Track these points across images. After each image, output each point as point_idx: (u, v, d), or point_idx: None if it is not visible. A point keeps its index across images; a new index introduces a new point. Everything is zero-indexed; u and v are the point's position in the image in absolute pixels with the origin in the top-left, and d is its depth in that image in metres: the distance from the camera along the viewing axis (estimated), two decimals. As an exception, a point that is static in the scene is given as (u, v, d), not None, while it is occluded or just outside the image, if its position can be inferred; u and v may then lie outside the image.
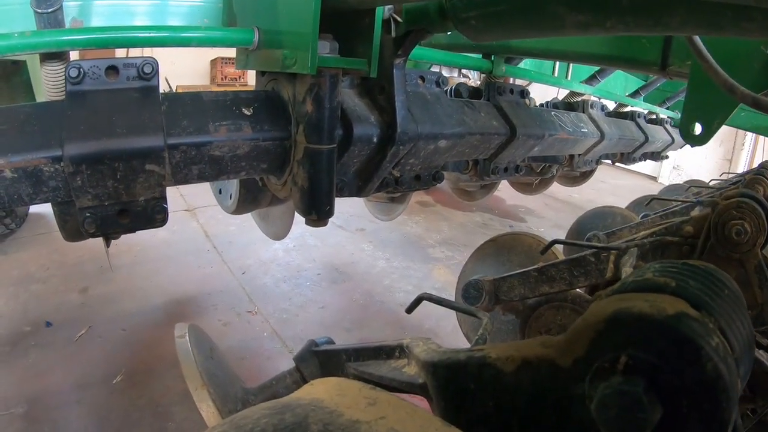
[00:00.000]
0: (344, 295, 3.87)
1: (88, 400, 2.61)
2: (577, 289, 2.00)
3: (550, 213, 6.27)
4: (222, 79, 11.16)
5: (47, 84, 1.38)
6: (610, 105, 3.72)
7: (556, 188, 4.40)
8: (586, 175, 4.25)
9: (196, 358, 1.26)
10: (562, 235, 3.74)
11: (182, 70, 10.16)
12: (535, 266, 2.00)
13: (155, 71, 1.31)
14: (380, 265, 4.40)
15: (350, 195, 1.69)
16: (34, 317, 3.34)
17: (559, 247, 2.42)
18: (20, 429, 2.42)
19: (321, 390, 0.71)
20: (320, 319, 3.54)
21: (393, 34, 1.46)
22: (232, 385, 1.36)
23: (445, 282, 4.09)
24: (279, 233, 2.25)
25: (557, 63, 3.34)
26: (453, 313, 2.68)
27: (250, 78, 10.52)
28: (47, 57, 1.33)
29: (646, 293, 0.65)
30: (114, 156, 1.21)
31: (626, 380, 0.58)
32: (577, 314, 1.95)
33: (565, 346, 0.65)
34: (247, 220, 2.41)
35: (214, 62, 11.31)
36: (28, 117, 1.22)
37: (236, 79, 11.14)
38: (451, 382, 0.78)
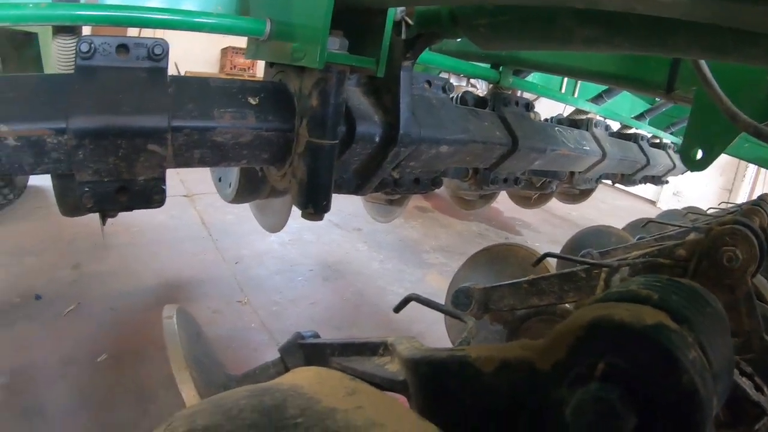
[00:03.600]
0: (336, 293, 3.87)
1: (71, 375, 2.61)
2: (567, 305, 2.00)
3: (546, 228, 6.27)
4: (231, 68, 11.19)
5: (58, 57, 1.39)
6: (615, 126, 3.73)
7: (554, 204, 4.40)
8: (585, 194, 4.26)
9: (182, 340, 1.26)
10: (557, 251, 3.74)
11: (192, 56, 10.17)
12: (527, 278, 2.01)
13: (165, 53, 1.32)
14: (374, 266, 4.39)
15: (348, 192, 1.69)
16: (24, 289, 3.34)
17: (553, 262, 2.43)
18: (1, 399, 2.43)
19: (301, 377, 0.71)
20: (310, 314, 3.53)
21: (403, 36, 1.47)
22: (215, 370, 1.37)
23: (438, 288, 4.07)
24: (275, 226, 2.25)
25: (565, 79, 3.35)
26: (442, 318, 2.69)
27: (259, 70, 10.55)
28: (60, 30, 1.34)
29: (628, 303, 0.66)
30: (117, 133, 1.22)
31: (603, 387, 0.59)
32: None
33: (545, 350, 0.65)
34: (245, 210, 2.41)
35: (224, 51, 11.33)
36: (36, 87, 1.23)
37: (245, 70, 11.16)
38: (431, 380, 0.79)
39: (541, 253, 2.22)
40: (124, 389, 2.57)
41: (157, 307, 2.92)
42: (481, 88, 7.52)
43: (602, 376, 0.60)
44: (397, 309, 1.32)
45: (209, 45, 10.93)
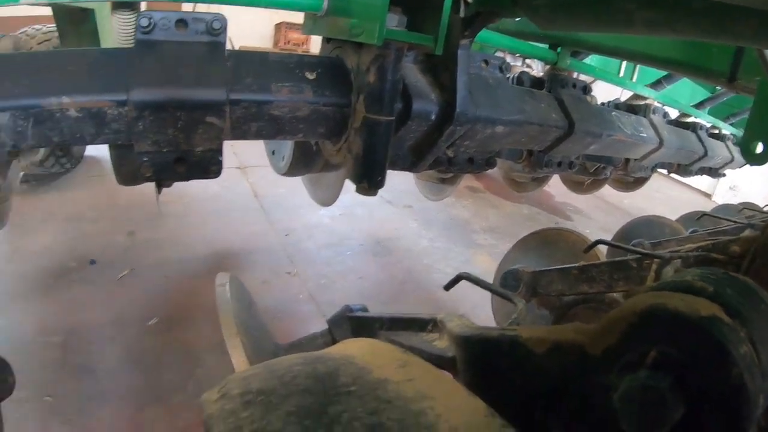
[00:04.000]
0: (384, 269, 3.88)
1: (122, 337, 2.70)
2: (615, 294, 1.98)
3: (598, 215, 6.14)
4: (285, 43, 11.22)
5: (117, 32, 1.43)
6: (673, 113, 3.63)
7: (606, 191, 4.32)
8: (639, 182, 4.16)
9: (234, 307, 1.29)
10: (608, 239, 3.68)
11: (246, 31, 10.24)
12: (577, 264, 1.99)
13: (223, 28, 1.34)
14: (423, 243, 4.38)
15: (402, 169, 1.70)
16: (80, 254, 3.45)
17: (603, 250, 2.40)
18: (56, 357, 2.52)
19: (353, 348, 0.73)
20: (358, 288, 3.56)
21: (462, 14, 1.46)
22: (264, 339, 1.39)
23: (486, 269, 4.02)
24: (327, 200, 2.26)
25: (623, 63, 3.28)
26: (488, 301, 2.68)
27: (313, 45, 10.59)
28: (119, 6, 1.37)
29: (682, 294, 0.65)
30: (177, 105, 1.25)
31: (653, 375, 0.59)
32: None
33: (597, 335, 0.65)
34: (297, 183, 2.43)
35: (278, 26, 11.36)
36: (97, 60, 1.27)
37: (299, 45, 11.19)
38: (481, 358, 0.79)
39: (592, 240, 2.20)
40: (172, 352, 2.64)
41: (208, 276, 2.97)
42: (536, 69, 7.41)
43: (653, 364, 0.60)
44: (448, 286, 1.33)
45: (263, 20, 10.98)
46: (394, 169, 1.63)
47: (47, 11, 2.46)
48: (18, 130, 1.19)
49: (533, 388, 0.71)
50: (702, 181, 10.27)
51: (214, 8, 1.37)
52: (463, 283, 1.33)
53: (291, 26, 11.04)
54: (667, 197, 9.07)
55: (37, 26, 3.90)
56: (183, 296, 3.07)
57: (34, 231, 3.71)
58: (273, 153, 2.15)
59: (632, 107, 3.04)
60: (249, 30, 10.49)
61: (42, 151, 3.90)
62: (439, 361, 0.91)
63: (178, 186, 1.70)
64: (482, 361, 0.79)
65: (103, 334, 2.72)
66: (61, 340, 2.64)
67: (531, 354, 0.71)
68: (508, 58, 2.38)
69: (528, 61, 7.83)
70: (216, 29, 1.33)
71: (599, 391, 0.64)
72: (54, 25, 3.09)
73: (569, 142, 2.07)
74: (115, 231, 3.84)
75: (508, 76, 1.90)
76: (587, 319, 2.02)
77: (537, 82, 2.20)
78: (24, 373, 1.37)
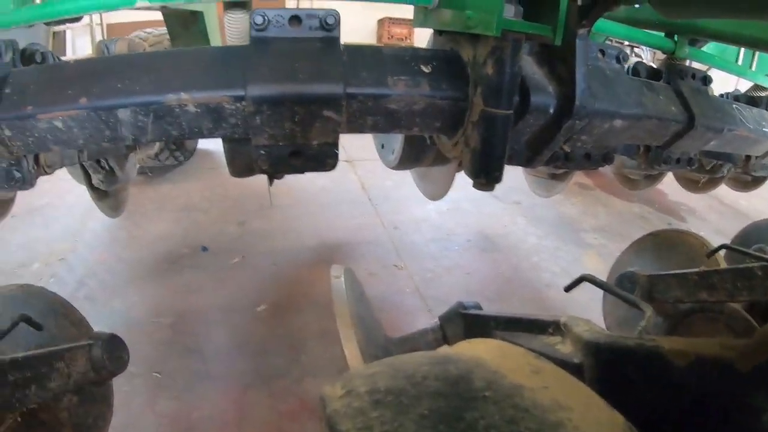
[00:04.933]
0: (491, 265, 3.82)
1: (230, 321, 2.80)
2: (736, 305, 1.88)
3: (713, 216, 5.79)
4: (389, 38, 11.31)
5: (230, 30, 1.48)
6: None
7: (721, 190, 4.10)
8: (758, 181, 3.91)
9: (349, 299, 1.30)
10: (722, 242, 3.47)
11: (349, 27, 10.33)
12: (698, 270, 1.90)
13: (337, 23, 1.37)
14: (531, 241, 4.27)
15: (518, 164, 1.66)
16: (193, 242, 3.60)
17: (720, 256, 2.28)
18: (166, 337, 2.65)
19: (482, 350, 0.71)
20: (464, 284, 3.51)
21: (579, 1, 1.41)
22: (376, 331, 1.40)
23: (595, 270, 3.80)
24: (436, 194, 2.25)
25: (742, 50, 3.08)
26: (598, 305, 2.58)
27: (417, 39, 10.59)
28: (231, 6, 1.42)
29: None
30: (294, 100, 1.28)
31: (806, 399, 0.55)
32: (731, 331, 1.84)
33: (748, 351, 0.61)
34: (405, 177, 2.43)
35: (381, 22, 11.47)
36: (214, 58, 1.32)
37: (403, 39, 11.23)
38: (613, 367, 0.76)
39: (713, 244, 2.10)
40: (278, 338, 2.70)
41: (316, 266, 3.01)
42: (645, 57, 7.14)
43: (808, 386, 0.55)
44: (569, 288, 1.29)
45: (365, 16, 11.09)
46: (510, 164, 1.59)
47: (156, 15, 2.59)
48: (138, 125, 1.26)
49: (668, 402, 0.68)
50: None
51: (317, 4, 1.38)
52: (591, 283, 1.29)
53: (394, 21, 11.12)
54: (786, 199, 8.53)
55: (147, 29, 4.11)
56: (291, 285, 3.12)
57: (149, 220, 3.92)
58: (382, 146, 2.15)
59: (753, 99, 2.86)
60: (352, 26, 10.60)
61: (157, 145, 4.10)
62: (563, 367, 0.88)
63: (288, 178, 1.73)
64: (614, 371, 0.76)
65: (212, 318, 2.83)
66: (172, 321, 2.77)
67: (670, 367, 0.68)
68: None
69: (636, 49, 7.57)
70: (330, 24, 1.36)
71: (746, 410, 0.60)
72: (164, 28, 3.26)
73: (689, 137, 1.97)
74: (226, 220, 3.99)
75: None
76: (704, 329, 1.93)
77: (654, 73, 2.11)
78: (135, 351, 1.44)
